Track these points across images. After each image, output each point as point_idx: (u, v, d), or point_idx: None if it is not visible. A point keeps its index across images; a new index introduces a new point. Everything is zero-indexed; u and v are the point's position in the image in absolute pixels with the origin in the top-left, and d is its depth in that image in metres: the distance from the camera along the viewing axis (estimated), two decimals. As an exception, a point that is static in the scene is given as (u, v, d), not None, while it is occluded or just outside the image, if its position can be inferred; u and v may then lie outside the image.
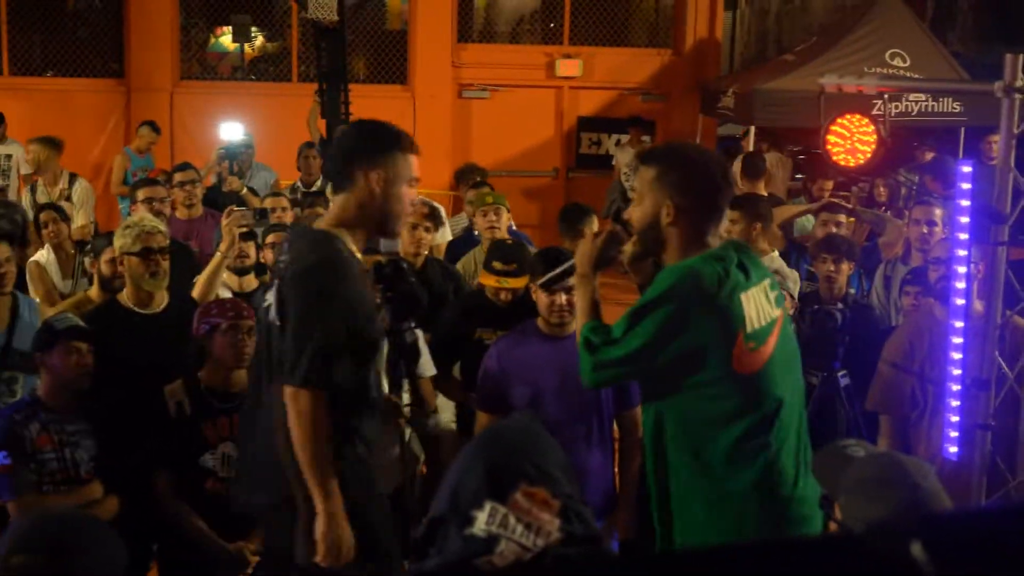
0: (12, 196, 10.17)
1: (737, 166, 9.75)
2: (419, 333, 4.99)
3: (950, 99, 12.48)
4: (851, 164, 7.51)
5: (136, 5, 14.43)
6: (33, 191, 9.50)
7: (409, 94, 15.07)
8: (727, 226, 6.62)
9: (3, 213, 6.81)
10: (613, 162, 14.59)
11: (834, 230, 7.01)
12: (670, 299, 3.45)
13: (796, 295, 5.81)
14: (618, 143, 15.20)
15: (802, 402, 3.72)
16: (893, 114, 11.20)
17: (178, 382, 4.90)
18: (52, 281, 6.80)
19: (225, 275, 5.87)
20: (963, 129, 12.89)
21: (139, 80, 14.43)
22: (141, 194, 7.13)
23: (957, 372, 4.86)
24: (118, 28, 14.64)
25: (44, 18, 14.61)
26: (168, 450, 4.82)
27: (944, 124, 12.80)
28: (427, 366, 5.44)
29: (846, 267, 6.13)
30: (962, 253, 4.85)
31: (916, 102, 12.23)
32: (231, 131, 10.28)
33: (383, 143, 3.93)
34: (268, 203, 7.64)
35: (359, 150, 3.91)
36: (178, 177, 7.93)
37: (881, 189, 10.50)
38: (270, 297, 3.88)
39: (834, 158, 7.53)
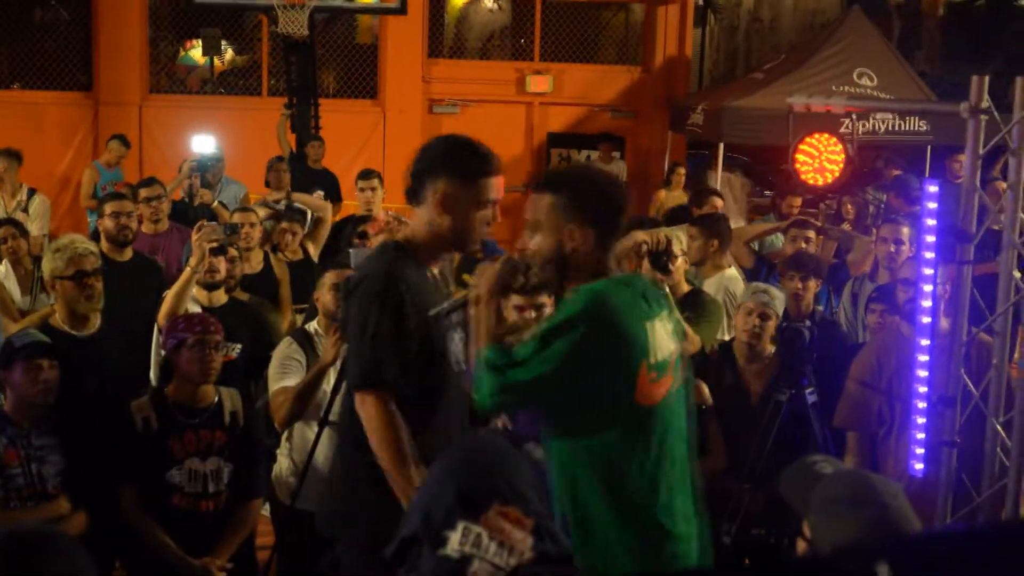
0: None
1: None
2: None
3: (917, 118, 12.60)
4: (819, 182, 7.58)
5: (105, 18, 14.37)
6: None
7: (379, 109, 15.07)
8: (687, 243, 6.68)
9: None
10: (583, 179, 14.62)
11: (803, 247, 7.06)
12: (580, 322, 3.37)
13: (781, 313, 5.85)
14: (588, 159, 15.24)
15: (688, 442, 3.61)
16: (860, 133, 11.31)
17: (144, 398, 4.88)
18: (11, 297, 6.74)
19: (195, 290, 5.84)
20: (929, 148, 13.01)
21: (108, 93, 14.36)
22: (108, 208, 7.08)
23: (923, 389, 4.89)
24: (87, 41, 14.58)
25: (11, 30, 14.53)
26: (134, 465, 4.79)
27: (911, 143, 12.92)
28: None
29: (813, 284, 6.17)
30: (928, 272, 4.89)
31: (883, 121, 12.35)
32: (202, 144, 10.24)
33: (459, 163, 3.97)
34: (237, 218, 7.60)
35: (432, 166, 3.95)
36: (144, 193, 7.86)
37: (848, 207, 10.57)
38: None
39: (802, 176, 7.59)
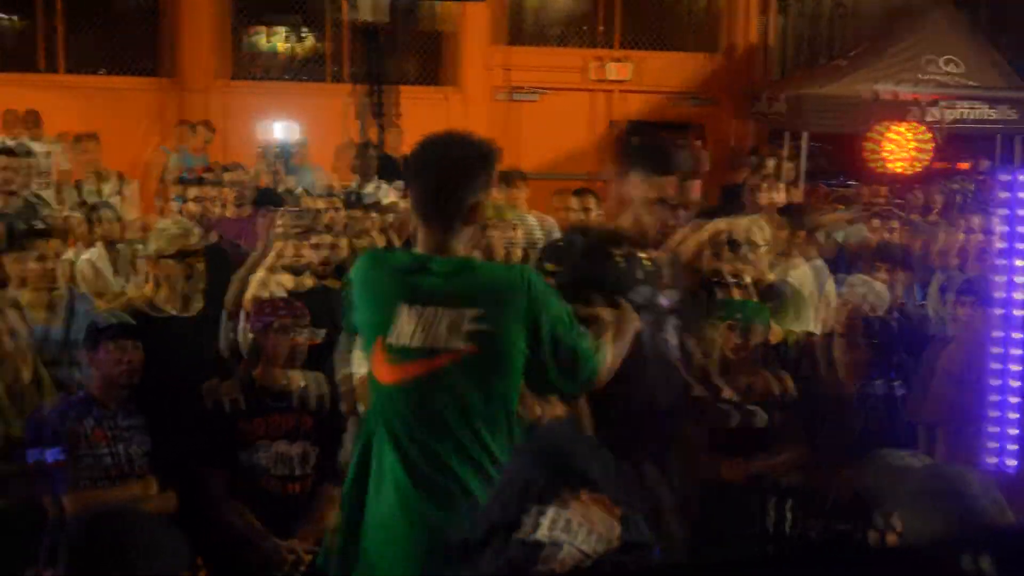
0: (51, 194, 10.22)
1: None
2: None
3: (1006, 106, 12.34)
4: (905, 171, 7.48)
5: (186, 4, 14.50)
6: (79, 189, 9.55)
7: (457, 96, 15.08)
8: (772, 233, 6.62)
9: (31, 214, 6.84)
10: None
11: (887, 237, 6.95)
12: None
13: (878, 303, 5.75)
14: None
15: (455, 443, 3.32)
16: (947, 121, 11.10)
17: (232, 380, 4.92)
18: (105, 279, 6.85)
19: (282, 275, 5.89)
20: (1019, 136, 12.75)
21: (188, 79, 14.51)
22: (192, 193, 7.18)
23: (1015, 383, 4.79)
24: (168, 27, 14.73)
25: (95, 17, 14.72)
26: (220, 448, 4.83)
27: (999, 131, 12.65)
28: None
29: (901, 276, 6.07)
30: (1020, 263, 4.79)
31: (971, 109, 12.10)
32: (283, 131, 10.33)
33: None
34: (320, 204, 7.67)
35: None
36: (229, 177, 7.98)
37: (936, 197, 10.40)
38: None
39: (888, 165, 7.50)
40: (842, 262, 7.54)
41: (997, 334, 4.86)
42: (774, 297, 5.67)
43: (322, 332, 5.74)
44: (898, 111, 9.01)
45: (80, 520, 2.62)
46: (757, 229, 5.84)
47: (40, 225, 5.61)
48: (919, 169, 6.45)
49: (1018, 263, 4.81)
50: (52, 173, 10.81)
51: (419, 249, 3.41)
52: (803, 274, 6.52)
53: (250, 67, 15.52)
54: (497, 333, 3.26)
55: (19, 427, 4.80)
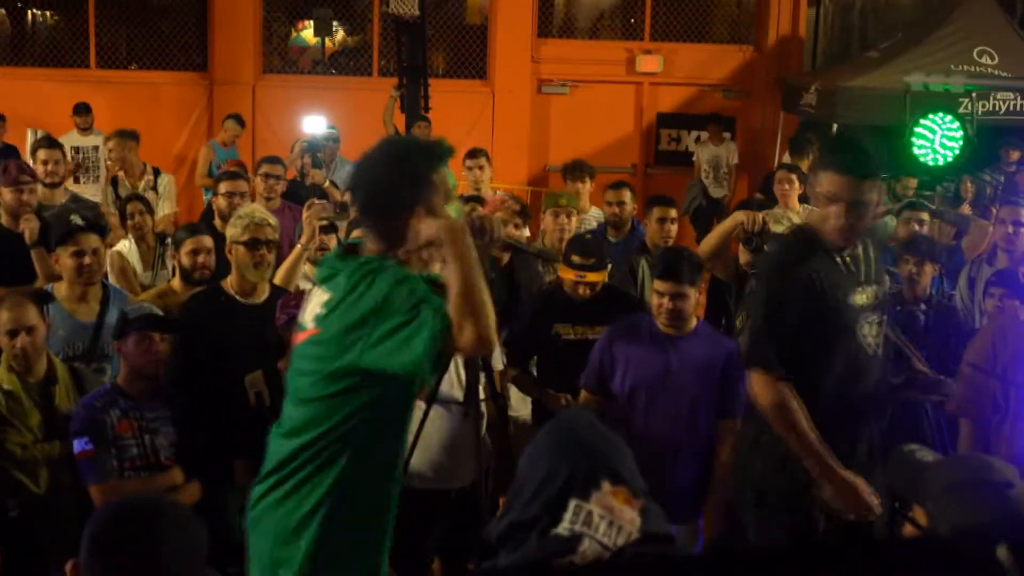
0: (100, 187, 10.32)
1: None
2: None
3: (1039, 97, 12.21)
4: (936, 163, 7.42)
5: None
6: (115, 185, 9.63)
7: (488, 89, 15.09)
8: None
9: (76, 208, 6.91)
10: (693, 159, 14.50)
11: (917, 229, 6.91)
12: None
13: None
14: (698, 140, 15.10)
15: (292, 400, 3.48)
16: (980, 113, 10.99)
17: (258, 372, 4.95)
18: (134, 271, 6.90)
19: (306, 267, 5.91)
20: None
21: (222, 73, 14.59)
22: (223, 187, 7.21)
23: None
24: (202, 21, 14.82)
25: (129, 11, 14.82)
26: (247, 439, 4.86)
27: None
28: (498, 360, 5.44)
29: (929, 268, 6.04)
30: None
31: (1004, 101, 11.98)
32: (314, 124, 10.35)
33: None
34: (348, 197, 7.70)
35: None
36: (265, 168, 7.99)
37: (967, 188, 10.32)
38: None
39: (919, 157, 7.44)
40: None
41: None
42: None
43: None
44: (929, 103, 8.92)
45: (100, 511, 2.64)
46: (777, 221, 5.83)
47: (78, 221, 5.66)
48: (949, 161, 6.39)
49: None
50: (101, 167, 10.95)
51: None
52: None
53: (282, 61, 15.59)
54: (335, 324, 3.27)
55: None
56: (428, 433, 4.81)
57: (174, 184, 9.96)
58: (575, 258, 5.62)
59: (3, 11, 15.38)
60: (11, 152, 10.40)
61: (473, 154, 8.90)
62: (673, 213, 7.04)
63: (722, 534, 4.98)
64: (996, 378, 5.17)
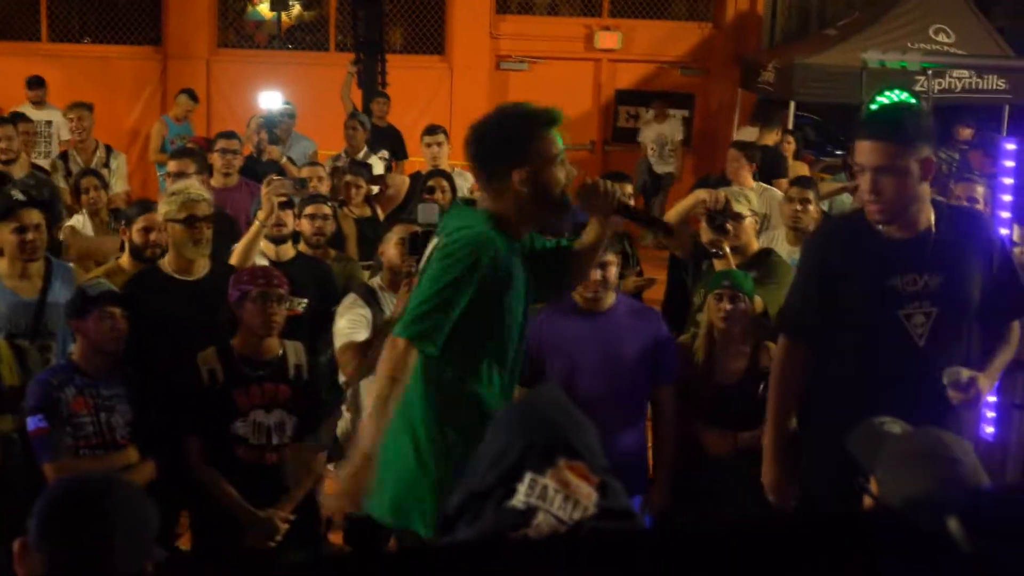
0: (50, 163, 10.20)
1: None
2: None
3: (995, 76, 12.31)
4: (892, 141, 7.45)
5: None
6: (65, 159, 9.51)
7: (446, 65, 15.03)
8: (782, 206, 6.63)
9: (35, 184, 6.83)
10: (639, 138, 14.50)
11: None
12: None
13: None
14: (637, 118, 15.09)
15: None
16: (936, 91, 11.07)
17: (211, 349, 4.91)
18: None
19: (262, 244, 5.87)
20: (1007, 106, 12.73)
21: (176, 48, 14.45)
22: (173, 166, 7.15)
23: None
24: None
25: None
26: (200, 417, 4.84)
27: (988, 101, 12.63)
28: None
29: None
30: (1004, 232, 4.79)
31: (960, 79, 12.07)
32: (270, 100, 10.27)
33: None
34: (305, 173, 7.63)
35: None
36: (221, 144, 7.91)
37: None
38: None
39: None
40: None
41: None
42: (759, 267, 5.65)
43: (303, 301, 5.74)
44: (885, 80, 8.97)
45: (51, 488, 2.61)
46: (738, 200, 5.83)
47: (19, 196, 5.56)
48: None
49: (1002, 231, 4.82)
50: (53, 142, 10.81)
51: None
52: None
53: (237, 36, 15.45)
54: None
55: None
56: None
57: (126, 164, 9.86)
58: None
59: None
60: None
61: (431, 130, 8.84)
62: (629, 189, 7.02)
63: (671, 506, 5.03)
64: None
